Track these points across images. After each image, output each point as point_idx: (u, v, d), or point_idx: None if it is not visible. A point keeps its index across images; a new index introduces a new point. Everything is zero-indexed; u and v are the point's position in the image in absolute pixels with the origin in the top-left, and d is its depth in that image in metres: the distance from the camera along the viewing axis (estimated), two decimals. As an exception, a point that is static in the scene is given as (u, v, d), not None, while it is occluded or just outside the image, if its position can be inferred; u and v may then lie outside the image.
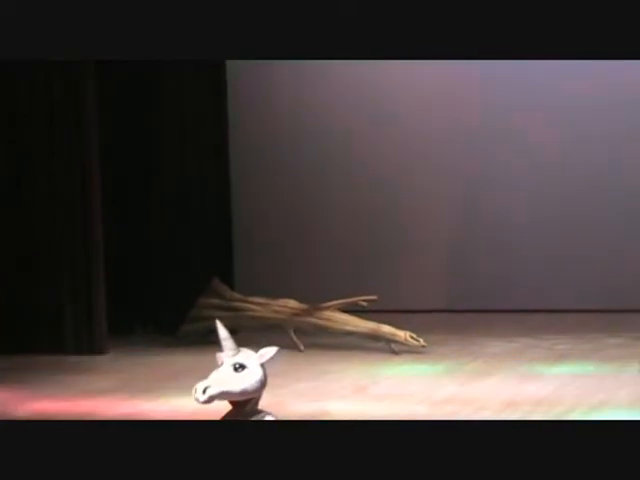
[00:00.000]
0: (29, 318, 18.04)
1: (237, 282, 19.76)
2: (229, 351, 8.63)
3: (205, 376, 8.30)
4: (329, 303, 17.17)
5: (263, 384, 8.51)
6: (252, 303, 17.87)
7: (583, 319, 18.46)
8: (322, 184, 21.69)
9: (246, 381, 8.46)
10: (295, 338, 16.79)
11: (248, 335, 16.42)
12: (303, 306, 17.37)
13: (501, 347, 17.09)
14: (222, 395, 8.34)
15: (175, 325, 18.09)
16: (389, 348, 16.40)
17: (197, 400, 8.23)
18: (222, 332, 8.70)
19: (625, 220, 20.36)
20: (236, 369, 8.48)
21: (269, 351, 8.59)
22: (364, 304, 16.90)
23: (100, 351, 17.81)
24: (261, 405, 8.54)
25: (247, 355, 8.59)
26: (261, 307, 17.76)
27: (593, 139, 20.71)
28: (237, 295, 18.35)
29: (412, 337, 16.30)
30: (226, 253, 20.84)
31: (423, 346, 16.16)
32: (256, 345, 8.76)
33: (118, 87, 20.91)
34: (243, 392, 8.43)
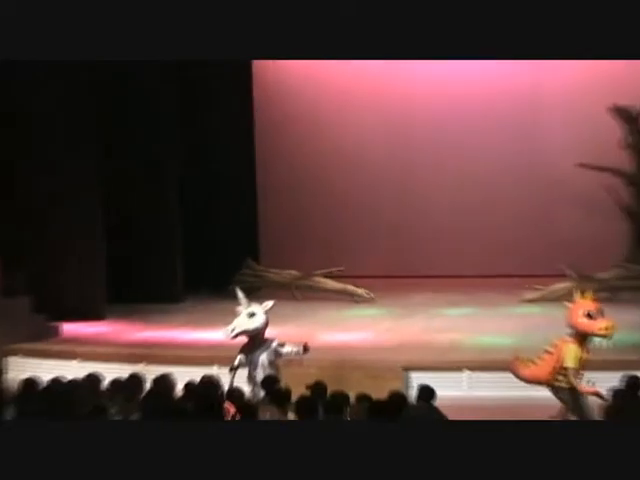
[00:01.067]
0: (136, 278, 22.73)
1: (261, 257, 25.07)
2: (244, 306, 13.14)
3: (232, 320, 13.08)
4: (316, 272, 23.14)
5: (266, 324, 13.10)
6: (269, 272, 23.67)
7: (485, 282, 23.29)
8: (324, 183, 25.54)
9: (256, 322, 13.03)
10: (295, 293, 22.80)
11: (267, 292, 21.29)
12: (300, 274, 23.24)
13: (421, 299, 22.43)
14: (242, 333, 13.00)
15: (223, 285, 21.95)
16: (352, 299, 22.52)
17: (227, 337, 12.95)
18: (239, 294, 13.27)
19: (530, 201, 24.28)
20: (250, 316, 13.06)
21: (269, 303, 13.24)
22: (335, 271, 22.95)
23: (179, 300, 23.10)
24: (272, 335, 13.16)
25: (255, 307, 13.14)
26: (275, 274, 23.53)
27: (505, 131, 24.48)
28: (260, 267, 24.09)
29: (366, 292, 22.46)
30: (254, 236, 25.73)
31: (372, 298, 22.27)
32: (270, 299, 13.28)
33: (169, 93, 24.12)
34: (255, 330, 13.06)
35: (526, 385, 13.19)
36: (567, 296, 19.57)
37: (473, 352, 16.73)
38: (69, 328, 19.98)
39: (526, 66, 23.48)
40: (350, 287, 22.91)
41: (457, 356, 16.48)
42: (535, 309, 21.14)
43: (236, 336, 13.08)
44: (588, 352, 12.18)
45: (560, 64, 22.84)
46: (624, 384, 11.13)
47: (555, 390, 12.44)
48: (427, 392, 12.07)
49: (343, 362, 15.78)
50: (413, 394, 12.23)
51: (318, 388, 10.36)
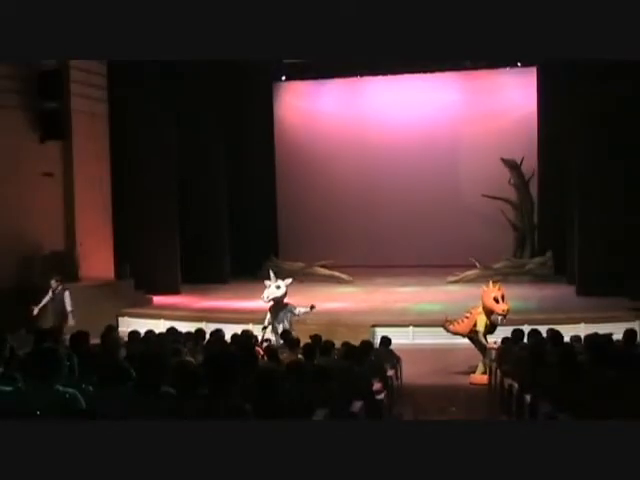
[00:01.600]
0: (198, 265, 21.92)
1: (280, 253, 25.07)
2: (272, 280, 13.67)
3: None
4: (315, 263, 23.09)
5: (286, 293, 13.68)
6: (284, 263, 23.49)
7: (424, 270, 23.26)
8: (321, 205, 25.37)
9: (281, 292, 13.62)
10: (302, 278, 21.81)
11: (282, 277, 21.67)
12: (304, 265, 23.15)
13: (383, 281, 22.44)
14: (272, 299, 13.52)
15: (255, 272, 22.64)
16: (338, 281, 22.59)
17: (264, 301, 13.49)
18: (271, 273, 13.92)
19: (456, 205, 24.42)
20: (277, 288, 13.62)
21: (289, 280, 13.94)
22: (327, 263, 23.00)
23: (226, 281, 22.79)
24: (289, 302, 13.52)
25: (280, 281, 13.73)
26: (288, 265, 23.25)
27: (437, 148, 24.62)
28: (278, 260, 23.98)
29: (347, 277, 22.61)
30: (275, 238, 25.64)
31: (351, 280, 22.36)
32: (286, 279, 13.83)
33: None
34: (280, 297, 13.60)
35: (451, 336, 13.50)
36: (475, 279, 21.37)
37: (416, 315, 16.68)
38: (157, 299, 19.91)
39: (449, 120, 24.52)
40: (337, 273, 22.95)
41: (406, 317, 16.49)
42: (455, 287, 21.27)
43: (269, 301, 13.39)
44: (491, 322, 12.53)
45: (475, 121, 24.12)
46: (511, 335, 11.46)
47: (471, 340, 12.98)
48: (386, 341, 12.39)
49: (332, 321, 15.81)
50: (377, 342, 12.50)
51: (316, 338, 10.37)
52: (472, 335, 12.79)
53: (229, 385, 5.06)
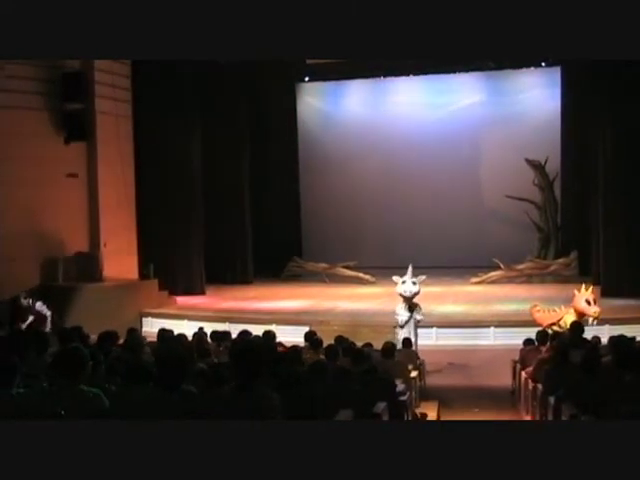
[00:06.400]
0: (222, 266, 22.41)
1: (303, 254, 24.82)
2: (408, 275, 12.86)
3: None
4: (338, 264, 23.00)
5: (419, 291, 12.85)
6: (308, 264, 23.59)
7: (447, 271, 22.68)
8: (344, 208, 25.35)
9: (417, 288, 12.81)
10: (325, 278, 22.77)
11: (306, 278, 22.84)
12: (328, 265, 23.13)
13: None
14: (416, 294, 12.76)
15: (278, 273, 23.32)
16: (361, 282, 22.46)
17: (405, 296, 12.67)
18: (409, 268, 12.97)
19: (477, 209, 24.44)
20: (413, 284, 12.79)
21: (422, 277, 13.00)
22: (350, 264, 22.89)
23: (249, 282, 22.84)
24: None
25: (415, 278, 12.90)
26: (311, 266, 23.46)
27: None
28: (302, 260, 23.94)
29: (370, 277, 22.47)
30: (299, 239, 25.46)
31: (374, 281, 22.16)
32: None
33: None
34: (417, 294, 12.89)
35: (473, 337, 13.46)
36: (499, 280, 21.39)
37: (439, 316, 16.62)
38: (181, 299, 19.94)
39: (472, 120, 24.51)
40: (360, 274, 22.90)
41: (428, 319, 16.24)
42: (479, 288, 21.15)
43: (413, 296, 12.88)
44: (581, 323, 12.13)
45: (498, 121, 24.05)
46: (535, 336, 11.19)
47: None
48: (408, 342, 12.34)
49: (355, 322, 15.83)
50: (400, 343, 12.47)
51: (339, 340, 10.43)
52: (549, 328, 12.48)
53: (255, 378, 5.08)
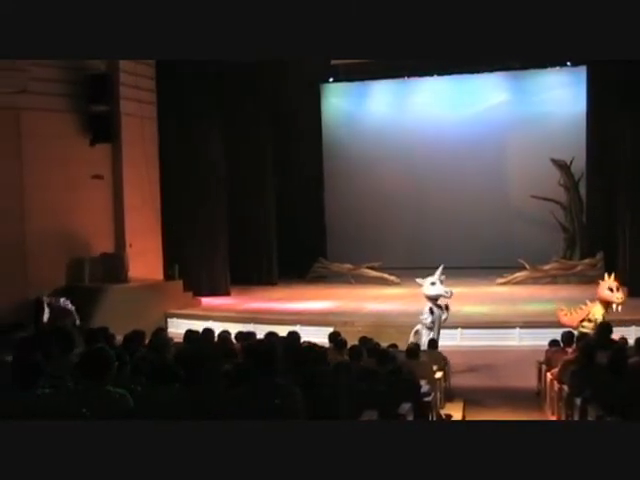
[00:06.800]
0: (247, 268, 22.42)
1: (328, 255, 24.72)
2: (437, 275, 12.85)
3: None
4: (363, 265, 22.99)
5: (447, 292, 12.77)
6: (333, 265, 23.60)
7: (471, 272, 22.65)
8: (369, 209, 25.17)
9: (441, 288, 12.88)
10: (350, 279, 22.79)
11: (332, 279, 22.86)
12: (353, 266, 23.14)
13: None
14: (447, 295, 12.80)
15: (303, 274, 23.39)
16: (386, 282, 22.47)
17: (447, 297, 12.71)
18: (439, 269, 13.00)
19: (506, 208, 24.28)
20: (436, 283, 12.82)
21: (443, 276, 12.90)
22: (375, 265, 22.86)
23: (274, 283, 22.87)
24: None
25: (437, 277, 12.98)
26: (336, 267, 23.46)
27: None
28: (327, 261, 23.95)
29: (395, 278, 22.40)
30: (324, 240, 25.39)
31: (399, 282, 22.08)
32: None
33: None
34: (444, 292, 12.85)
35: (498, 338, 13.42)
36: (525, 281, 21.21)
37: (463, 317, 16.52)
38: (206, 300, 19.96)
39: (497, 121, 24.41)
40: (384, 275, 22.89)
41: (453, 319, 16.15)
42: (504, 289, 21.03)
43: (450, 296, 12.92)
44: (608, 312, 12.47)
45: (523, 121, 23.88)
46: (560, 337, 11.01)
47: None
48: (433, 343, 12.34)
49: (380, 323, 15.81)
50: (424, 344, 12.41)
51: (363, 340, 10.37)
52: (580, 327, 12.50)
53: (270, 376, 5.11)
